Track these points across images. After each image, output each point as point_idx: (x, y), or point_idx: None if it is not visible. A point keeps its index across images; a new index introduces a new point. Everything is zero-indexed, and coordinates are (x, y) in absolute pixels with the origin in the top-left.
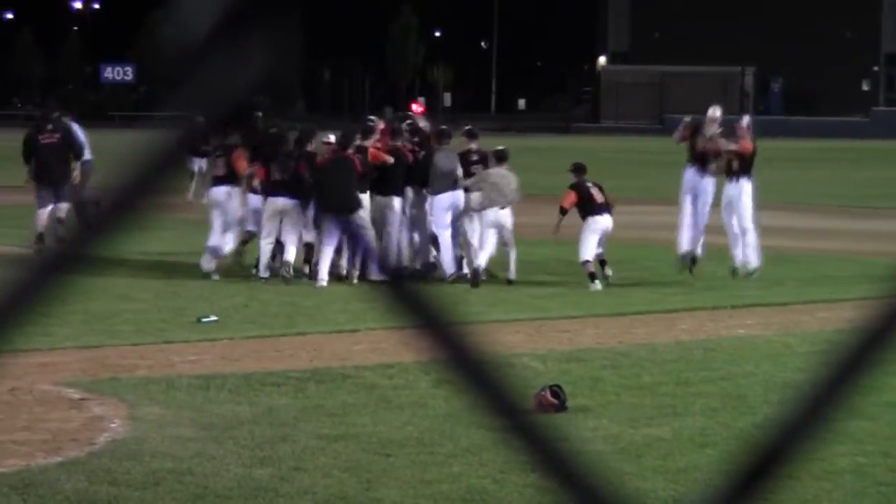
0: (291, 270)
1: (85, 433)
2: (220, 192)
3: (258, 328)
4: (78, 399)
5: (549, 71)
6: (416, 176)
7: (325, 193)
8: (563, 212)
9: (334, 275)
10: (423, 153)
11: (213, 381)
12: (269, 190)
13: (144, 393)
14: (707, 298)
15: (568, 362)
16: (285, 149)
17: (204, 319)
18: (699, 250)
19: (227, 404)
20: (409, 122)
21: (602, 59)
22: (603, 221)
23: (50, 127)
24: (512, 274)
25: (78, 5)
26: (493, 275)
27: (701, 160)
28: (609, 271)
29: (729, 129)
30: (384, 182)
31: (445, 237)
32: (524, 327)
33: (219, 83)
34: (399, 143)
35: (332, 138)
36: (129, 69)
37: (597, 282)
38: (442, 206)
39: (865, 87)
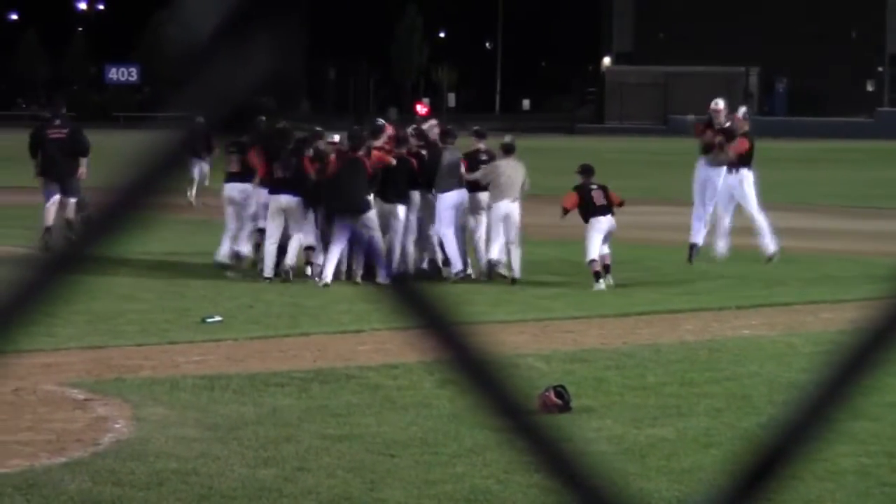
0: (291, 274)
1: (89, 434)
2: (234, 188)
3: (262, 329)
4: (82, 399)
5: (553, 71)
6: (423, 179)
7: (336, 195)
8: (565, 212)
9: (337, 276)
10: (428, 157)
11: (218, 382)
12: (271, 188)
13: (149, 393)
14: (712, 299)
15: (572, 363)
16: (288, 146)
17: (208, 320)
18: (721, 246)
19: (232, 405)
20: (414, 127)
21: (606, 60)
22: (604, 222)
23: (58, 122)
24: (517, 273)
25: (83, 6)
26: (503, 275)
27: (709, 152)
28: (610, 280)
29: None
30: (388, 189)
31: (450, 236)
32: (528, 327)
33: (223, 83)
34: (404, 151)
35: (337, 138)
36: (133, 70)
37: (601, 281)
38: (447, 205)
39: (870, 88)
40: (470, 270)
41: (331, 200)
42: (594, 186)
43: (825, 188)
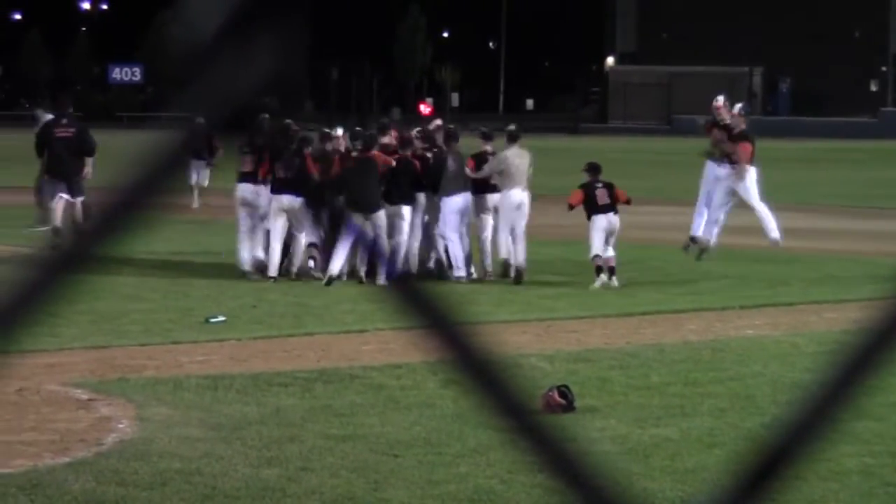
0: (294, 274)
1: (93, 434)
2: (246, 189)
3: (266, 328)
4: (86, 399)
5: (556, 71)
6: (428, 181)
7: (349, 193)
8: (570, 208)
9: (340, 276)
10: (433, 159)
11: (221, 382)
12: (273, 188)
13: (152, 393)
14: (715, 299)
15: (576, 362)
16: (290, 146)
17: (212, 320)
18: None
19: (235, 404)
20: (419, 129)
21: (610, 60)
22: (606, 220)
23: (65, 121)
24: (522, 262)
25: (86, 6)
26: (516, 269)
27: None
28: (615, 282)
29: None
30: (393, 191)
31: (455, 240)
32: (532, 327)
33: (226, 84)
34: (408, 153)
35: (340, 132)
36: (137, 70)
37: (602, 276)
38: (452, 209)
39: (873, 88)
40: (474, 274)
41: (343, 199)
42: (599, 185)
43: (827, 188)
